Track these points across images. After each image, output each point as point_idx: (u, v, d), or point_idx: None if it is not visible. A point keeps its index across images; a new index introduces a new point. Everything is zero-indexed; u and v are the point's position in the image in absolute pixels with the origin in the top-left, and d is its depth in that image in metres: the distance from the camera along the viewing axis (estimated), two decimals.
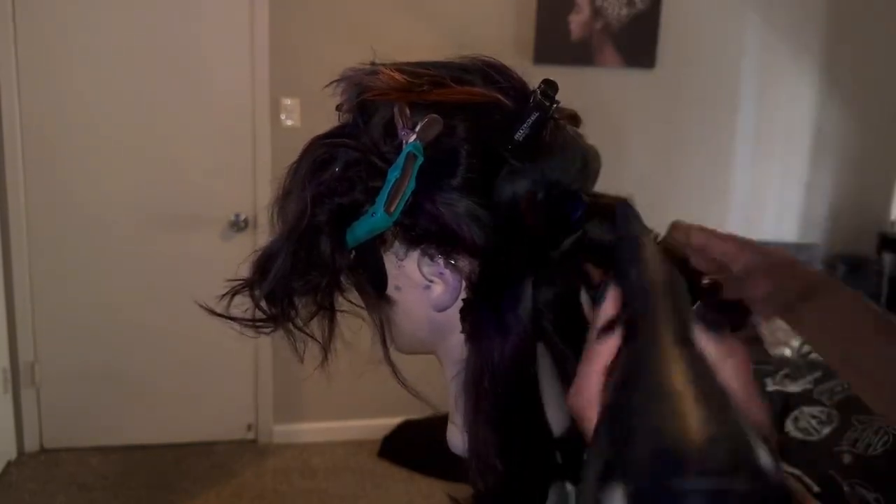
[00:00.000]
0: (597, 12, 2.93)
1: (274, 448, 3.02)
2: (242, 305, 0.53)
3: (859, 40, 3.25)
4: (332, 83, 0.54)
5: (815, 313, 0.57)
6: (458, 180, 0.49)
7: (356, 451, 3.02)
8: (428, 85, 0.50)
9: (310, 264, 0.52)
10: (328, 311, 0.55)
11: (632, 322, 0.40)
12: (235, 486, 2.75)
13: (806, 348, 2.77)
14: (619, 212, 0.45)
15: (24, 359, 2.83)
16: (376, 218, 0.49)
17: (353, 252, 0.53)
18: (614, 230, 0.44)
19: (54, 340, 2.84)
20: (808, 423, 1.93)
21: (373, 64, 0.52)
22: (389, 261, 0.53)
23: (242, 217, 2.83)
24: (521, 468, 0.52)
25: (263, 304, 0.53)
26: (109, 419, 2.93)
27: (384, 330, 0.56)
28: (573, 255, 0.52)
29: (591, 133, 0.56)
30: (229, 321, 0.54)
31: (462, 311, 0.53)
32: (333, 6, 2.78)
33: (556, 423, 0.54)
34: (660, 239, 0.56)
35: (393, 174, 0.48)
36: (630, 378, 0.37)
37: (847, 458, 1.77)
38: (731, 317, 0.56)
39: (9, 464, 2.80)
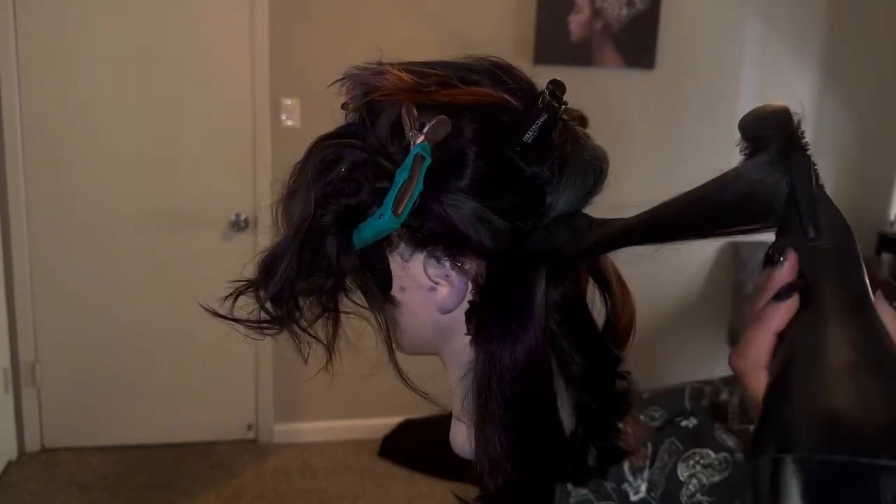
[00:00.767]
0: (597, 12, 2.93)
1: (274, 448, 3.02)
2: (246, 307, 0.53)
3: (859, 40, 3.25)
4: (336, 82, 0.53)
5: None
6: (465, 182, 0.48)
7: (356, 450, 3.02)
8: (435, 85, 0.50)
9: (315, 265, 0.51)
10: (332, 312, 0.55)
11: (808, 288, 0.39)
12: (235, 486, 2.75)
13: None
14: (795, 162, 0.41)
15: (25, 358, 2.83)
16: (384, 219, 0.48)
17: (359, 253, 0.52)
18: (789, 182, 0.40)
19: (54, 340, 2.84)
20: None
21: (379, 63, 0.52)
22: (395, 262, 0.53)
23: (243, 217, 2.83)
24: (531, 469, 0.52)
25: (268, 305, 0.53)
26: (109, 419, 2.94)
27: (388, 331, 0.56)
28: (579, 256, 0.52)
29: (591, 133, 0.56)
30: (233, 323, 0.53)
31: (468, 313, 0.52)
32: (333, 6, 2.78)
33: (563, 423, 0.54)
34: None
35: (401, 175, 0.48)
36: (804, 348, 0.37)
37: None
38: None
39: (9, 463, 2.80)
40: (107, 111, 2.72)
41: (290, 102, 2.79)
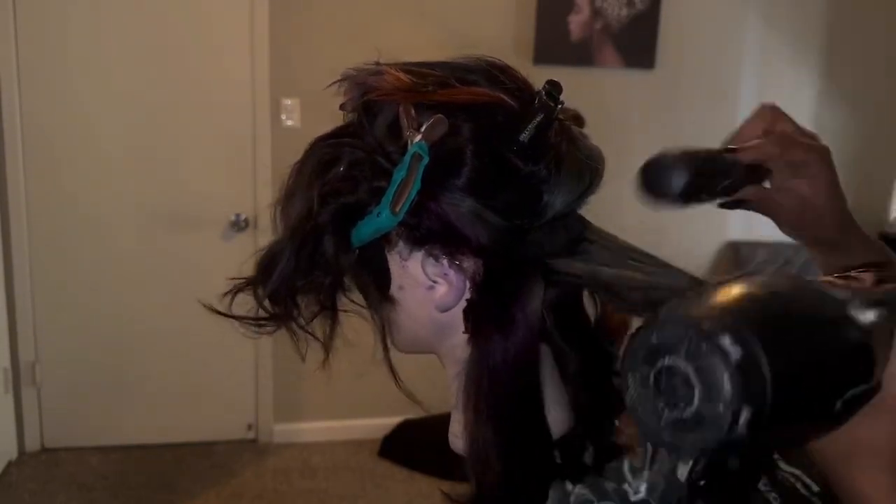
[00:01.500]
0: (597, 12, 2.93)
1: (274, 448, 3.02)
2: (245, 305, 0.53)
3: (859, 40, 3.25)
4: (335, 83, 0.54)
5: None
6: (462, 181, 0.49)
7: (356, 450, 3.02)
8: (433, 85, 0.50)
9: (313, 264, 0.52)
10: (330, 311, 0.55)
11: None
12: (235, 486, 2.75)
13: None
14: None
15: (25, 358, 2.83)
16: (381, 218, 0.49)
17: (357, 252, 0.52)
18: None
19: (55, 340, 2.84)
20: None
21: (377, 64, 0.52)
22: (393, 260, 0.53)
23: (243, 217, 2.83)
24: (520, 468, 0.52)
25: (267, 303, 0.53)
26: (109, 419, 2.94)
27: (384, 330, 0.56)
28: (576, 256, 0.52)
29: (591, 133, 0.56)
30: (232, 320, 0.54)
31: (465, 311, 0.53)
32: (333, 6, 2.78)
33: (558, 423, 0.54)
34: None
35: (398, 174, 0.48)
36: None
37: None
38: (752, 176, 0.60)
39: (9, 463, 2.80)
40: (107, 111, 2.72)
41: (290, 102, 2.79)
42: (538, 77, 0.54)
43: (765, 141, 0.63)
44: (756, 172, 0.64)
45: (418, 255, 0.52)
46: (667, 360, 0.37)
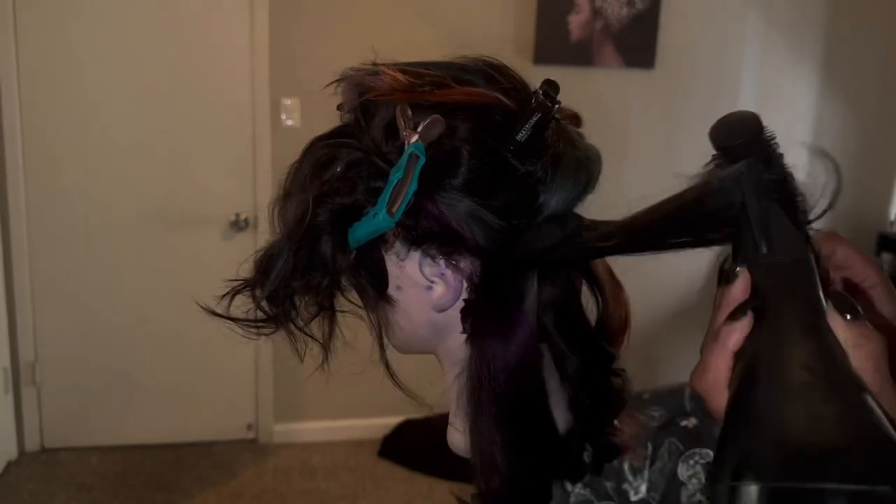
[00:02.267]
0: (597, 12, 2.93)
1: (274, 448, 3.02)
2: (243, 306, 0.53)
3: (859, 40, 3.25)
4: (332, 83, 0.54)
5: None
6: (459, 181, 0.49)
7: (356, 450, 3.02)
8: (430, 85, 0.50)
9: (311, 265, 0.52)
10: (328, 311, 0.55)
11: (762, 305, 0.39)
12: (235, 485, 2.75)
13: None
14: (745, 174, 0.40)
15: (25, 358, 2.83)
16: (378, 219, 0.49)
17: (354, 252, 0.52)
18: (740, 197, 0.40)
19: (54, 340, 2.84)
20: None
21: (374, 64, 0.52)
22: (390, 261, 0.53)
23: (243, 217, 2.83)
24: (525, 467, 0.52)
25: (265, 304, 0.53)
26: (109, 419, 2.94)
27: (381, 331, 0.56)
28: (574, 256, 0.52)
29: (591, 133, 0.56)
30: (230, 322, 0.54)
31: (463, 311, 0.53)
32: (333, 6, 2.78)
33: (557, 423, 0.55)
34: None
35: (395, 175, 0.48)
36: (759, 368, 0.36)
37: None
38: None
39: (9, 463, 2.80)
40: (106, 111, 2.72)
41: (290, 102, 2.79)
42: (538, 77, 0.54)
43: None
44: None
45: (415, 256, 0.52)
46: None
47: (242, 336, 0.54)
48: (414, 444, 2.93)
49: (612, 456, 0.57)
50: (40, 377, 2.85)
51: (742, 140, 0.41)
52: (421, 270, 0.52)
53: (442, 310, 0.53)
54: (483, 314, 0.51)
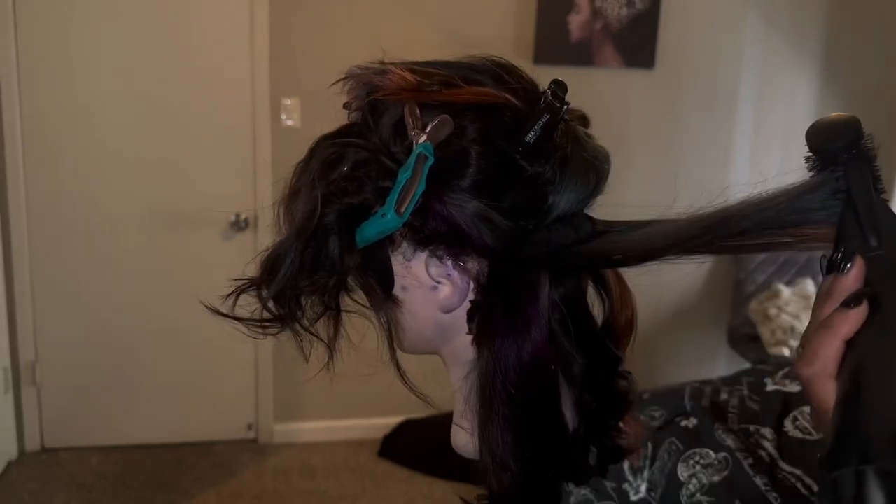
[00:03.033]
0: (597, 12, 2.93)
1: (274, 448, 3.02)
2: (248, 306, 0.53)
3: (859, 40, 3.25)
4: (338, 81, 0.53)
5: None
6: (467, 181, 0.49)
7: (356, 450, 3.02)
8: (438, 85, 0.50)
9: (318, 264, 0.51)
10: (334, 312, 0.55)
11: (876, 296, 0.39)
12: (235, 485, 2.75)
13: None
14: (852, 169, 0.41)
15: (25, 358, 2.83)
16: (387, 219, 0.48)
17: (361, 252, 0.52)
18: (845, 187, 0.41)
19: (54, 340, 2.84)
20: (807, 422, 1.93)
21: (382, 63, 0.52)
22: (397, 261, 0.53)
23: (243, 217, 2.83)
24: (537, 467, 0.52)
25: (271, 304, 0.53)
26: (109, 419, 2.94)
27: (390, 331, 0.56)
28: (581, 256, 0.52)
29: (592, 133, 0.56)
30: (235, 321, 0.53)
31: (469, 312, 0.52)
32: (333, 6, 2.78)
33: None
34: None
35: (404, 175, 0.48)
36: (876, 359, 0.37)
37: None
38: None
39: (9, 463, 2.80)
40: (106, 111, 2.72)
41: (290, 102, 2.79)
42: (538, 77, 0.54)
43: None
44: None
45: (422, 256, 0.52)
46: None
47: (247, 336, 0.54)
48: (414, 444, 2.92)
49: (618, 458, 0.57)
50: (40, 377, 2.85)
51: (844, 142, 0.42)
52: (427, 271, 0.52)
53: (448, 310, 0.53)
54: (494, 314, 0.51)
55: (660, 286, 3.14)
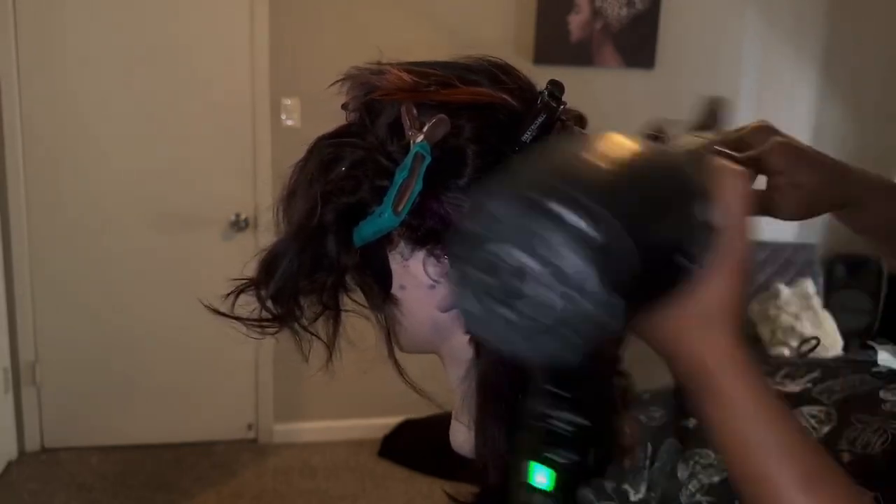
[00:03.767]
0: (596, 13, 2.93)
1: (274, 448, 3.02)
2: (247, 306, 0.53)
3: (859, 40, 3.25)
4: (337, 82, 0.54)
5: None
6: (464, 181, 0.49)
7: (356, 450, 3.02)
8: (435, 85, 0.50)
9: (316, 264, 0.52)
10: (333, 311, 0.55)
11: None
12: (235, 485, 2.75)
13: (804, 347, 2.76)
14: None
15: (25, 358, 2.83)
16: (384, 218, 0.49)
17: (359, 251, 0.53)
18: None
19: (54, 340, 2.84)
20: (807, 422, 1.94)
21: (379, 63, 0.52)
22: (394, 260, 0.53)
23: (243, 217, 2.83)
24: None
25: (269, 303, 0.53)
26: (109, 419, 2.94)
27: (389, 329, 0.56)
28: None
29: (591, 133, 0.56)
30: (234, 321, 0.54)
31: None
32: (333, 6, 2.78)
33: None
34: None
35: (401, 174, 0.48)
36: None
37: (846, 458, 1.77)
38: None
39: (9, 463, 2.80)
40: (106, 111, 2.72)
41: (290, 102, 2.79)
42: (538, 77, 0.54)
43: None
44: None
45: (420, 255, 0.52)
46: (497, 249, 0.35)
47: (246, 335, 0.54)
48: (414, 444, 2.93)
49: (616, 458, 0.57)
50: (40, 377, 2.85)
51: None
52: (425, 270, 0.52)
53: (446, 310, 0.53)
54: None
55: None
